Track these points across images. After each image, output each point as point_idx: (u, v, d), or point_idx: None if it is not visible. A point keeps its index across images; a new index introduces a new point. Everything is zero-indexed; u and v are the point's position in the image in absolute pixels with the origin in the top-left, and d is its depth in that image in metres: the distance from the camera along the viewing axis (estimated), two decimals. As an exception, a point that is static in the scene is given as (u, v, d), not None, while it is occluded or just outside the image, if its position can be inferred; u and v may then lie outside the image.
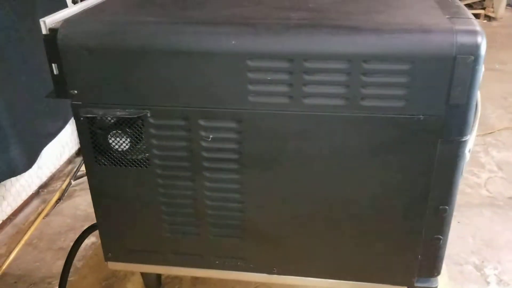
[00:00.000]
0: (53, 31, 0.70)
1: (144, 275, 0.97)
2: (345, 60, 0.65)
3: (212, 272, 0.87)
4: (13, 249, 1.48)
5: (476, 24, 0.66)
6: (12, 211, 1.63)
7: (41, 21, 0.69)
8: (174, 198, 0.80)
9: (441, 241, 0.78)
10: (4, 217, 1.60)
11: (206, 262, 0.85)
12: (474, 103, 0.67)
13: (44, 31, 0.70)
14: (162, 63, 0.69)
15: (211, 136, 0.74)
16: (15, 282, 1.38)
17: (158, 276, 0.98)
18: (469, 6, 3.83)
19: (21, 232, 1.57)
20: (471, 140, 0.74)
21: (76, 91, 0.73)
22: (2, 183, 1.48)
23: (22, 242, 1.51)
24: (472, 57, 0.63)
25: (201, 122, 0.73)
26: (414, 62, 0.65)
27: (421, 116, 0.68)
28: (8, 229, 1.60)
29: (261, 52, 0.67)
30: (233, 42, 0.67)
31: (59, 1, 1.60)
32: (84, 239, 0.98)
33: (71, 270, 0.99)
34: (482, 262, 1.46)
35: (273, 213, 0.79)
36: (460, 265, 1.44)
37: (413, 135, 0.69)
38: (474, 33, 0.64)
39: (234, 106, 0.71)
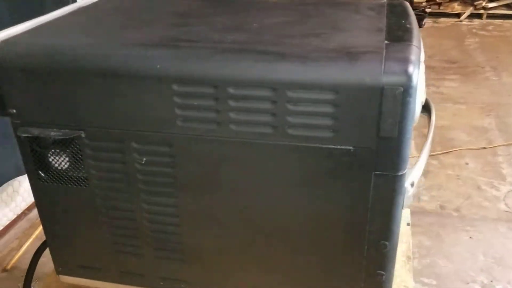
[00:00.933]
0: (-10, 50, 0.71)
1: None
2: (269, 87, 0.63)
3: (158, 293, 0.86)
4: (24, 243, 1.53)
5: (412, 52, 0.62)
6: (26, 206, 1.67)
7: (-23, 39, 0.71)
8: (115, 218, 0.79)
9: (383, 277, 0.74)
10: (19, 211, 1.65)
11: (150, 282, 0.84)
12: (408, 136, 0.63)
13: (-9, 53, 0.71)
14: (94, 85, 0.69)
15: (144, 159, 0.73)
16: (22, 276, 1.43)
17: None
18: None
19: (34, 227, 1.62)
20: (417, 171, 0.70)
21: (14, 110, 0.73)
22: (16, 178, 1.52)
23: (33, 236, 1.56)
24: (401, 88, 0.59)
25: (134, 145, 0.72)
26: (339, 92, 0.61)
27: (351, 148, 0.64)
28: (22, 223, 1.65)
29: (186, 77, 0.65)
30: (158, 66, 0.65)
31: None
32: (39, 257, 1.00)
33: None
34: (491, 281, 1.38)
35: (211, 237, 0.77)
36: (466, 283, 1.37)
37: (345, 167, 0.66)
38: (405, 61, 0.60)
39: (164, 130, 0.69)
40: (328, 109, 0.62)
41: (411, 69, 0.59)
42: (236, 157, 0.69)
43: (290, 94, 0.62)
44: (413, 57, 0.61)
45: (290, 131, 0.65)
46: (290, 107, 0.63)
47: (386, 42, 0.64)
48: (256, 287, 0.81)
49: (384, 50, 0.62)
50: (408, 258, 1.06)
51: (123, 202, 0.77)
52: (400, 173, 0.65)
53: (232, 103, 0.65)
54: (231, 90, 0.64)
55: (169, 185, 0.74)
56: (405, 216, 1.17)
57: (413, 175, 0.69)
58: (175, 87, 0.66)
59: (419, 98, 0.63)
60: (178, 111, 0.67)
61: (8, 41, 0.71)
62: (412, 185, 0.70)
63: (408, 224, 1.16)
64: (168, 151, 0.71)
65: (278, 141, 0.66)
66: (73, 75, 0.69)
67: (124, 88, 0.68)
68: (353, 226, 0.70)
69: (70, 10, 0.85)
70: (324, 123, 0.63)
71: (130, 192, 0.76)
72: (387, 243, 0.71)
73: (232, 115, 0.66)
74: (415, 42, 0.65)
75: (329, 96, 0.62)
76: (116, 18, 0.83)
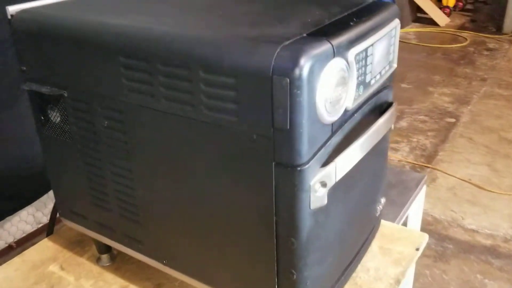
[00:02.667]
0: (12, 17, 0.87)
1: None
2: (186, 67, 0.68)
3: (122, 247, 0.95)
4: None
5: (314, 46, 0.61)
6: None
7: (6, 8, 0.87)
8: (90, 173, 0.91)
9: (294, 276, 0.73)
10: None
11: (118, 238, 0.94)
12: (301, 130, 0.62)
13: (8, 17, 0.88)
14: (71, 52, 0.81)
15: (106, 122, 0.82)
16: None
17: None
18: None
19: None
20: (331, 172, 0.68)
21: (24, 68, 0.89)
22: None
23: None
24: (287, 80, 0.59)
25: (98, 108, 0.82)
26: (238, 78, 0.63)
27: (254, 135, 0.66)
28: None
29: (127, 50, 0.73)
30: (107, 38, 0.75)
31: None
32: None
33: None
34: None
35: (156, 205, 0.84)
36: None
37: (249, 153, 0.67)
38: (297, 53, 0.60)
39: (117, 98, 0.78)
40: (232, 93, 0.65)
41: (302, 61, 0.59)
42: (167, 129, 0.75)
43: (202, 75, 0.67)
44: (310, 51, 0.60)
45: (205, 111, 0.69)
46: (203, 87, 0.67)
47: (304, 35, 0.65)
48: (191, 267, 0.85)
49: (288, 41, 0.62)
50: (397, 281, 0.99)
51: (95, 160, 0.88)
52: (298, 167, 0.65)
53: (161, 78, 0.71)
54: (159, 66, 0.70)
55: (123, 149, 0.82)
56: (417, 239, 1.10)
57: (325, 175, 0.67)
58: (121, 58, 0.74)
59: (323, 93, 0.62)
60: (124, 81, 0.76)
61: (25, 10, 0.87)
62: (324, 185, 0.68)
63: (417, 249, 1.08)
64: (119, 117, 0.80)
65: (197, 118, 0.70)
66: (59, 42, 0.82)
67: (88, 56, 0.78)
68: (261, 217, 0.71)
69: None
70: (230, 107, 0.66)
71: (99, 151, 0.86)
72: (293, 240, 0.70)
73: (162, 89, 0.72)
74: (336, 39, 0.64)
75: (231, 80, 0.64)
76: (116, 3, 0.94)
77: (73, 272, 1.05)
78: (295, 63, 0.59)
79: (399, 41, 0.84)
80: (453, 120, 3.27)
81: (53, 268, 1.07)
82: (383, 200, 0.97)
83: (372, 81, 0.77)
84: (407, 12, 5.21)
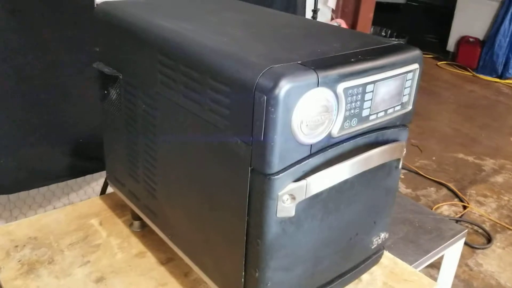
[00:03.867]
0: (97, 6, 1.06)
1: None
2: (199, 71, 0.79)
3: (143, 216, 1.09)
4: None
5: (297, 73, 0.69)
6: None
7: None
8: (129, 147, 1.06)
9: (256, 274, 0.80)
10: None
11: (140, 207, 1.08)
12: (272, 143, 0.70)
13: (95, 5, 1.06)
14: (129, 41, 0.96)
15: (144, 106, 0.97)
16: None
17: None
18: None
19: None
20: (299, 186, 0.75)
21: (98, 49, 1.07)
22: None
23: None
24: (265, 97, 0.68)
25: (140, 93, 0.97)
26: (232, 87, 0.73)
27: (238, 140, 0.75)
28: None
29: (164, 50, 0.86)
30: (152, 36, 0.89)
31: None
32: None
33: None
34: None
35: (167, 183, 0.96)
36: None
37: (234, 156, 0.77)
38: (278, 76, 0.68)
39: (154, 88, 0.92)
40: (227, 100, 0.75)
41: (280, 83, 0.67)
42: (181, 121, 0.87)
43: (209, 80, 0.77)
44: (291, 76, 0.68)
45: (208, 111, 0.79)
46: (209, 90, 0.78)
47: (298, 62, 0.72)
48: (187, 242, 0.96)
49: (278, 65, 0.70)
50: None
51: (133, 135, 1.03)
52: (268, 176, 0.72)
53: (182, 77, 0.83)
54: (181, 67, 0.83)
55: (152, 130, 0.96)
56: (425, 286, 1.10)
57: (294, 189, 0.74)
58: (158, 55, 0.88)
59: (299, 116, 0.69)
60: (158, 75, 0.89)
61: (106, 2, 1.05)
62: (292, 198, 0.75)
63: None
64: (153, 104, 0.93)
65: (202, 116, 0.81)
66: (122, 32, 0.98)
67: (139, 48, 0.93)
68: (237, 214, 0.79)
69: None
70: (225, 112, 0.76)
71: (136, 129, 1.01)
72: (259, 241, 0.78)
73: (181, 87, 0.84)
74: (324, 71, 0.71)
75: (227, 89, 0.74)
76: (180, 8, 1.08)
77: (107, 229, 1.22)
78: (274, 84, 0.67)
79: None
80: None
81: (94, 221, 1.25)
82: (383, 235, 1.00)
83: (372, 117, 0.82)
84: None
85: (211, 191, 0.84)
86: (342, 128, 0.77)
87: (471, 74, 5.02)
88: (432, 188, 2.92)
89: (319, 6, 2.86)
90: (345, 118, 0.77)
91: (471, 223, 2.57)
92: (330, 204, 0.83)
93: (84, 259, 1.12)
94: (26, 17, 1.60)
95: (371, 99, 0.80)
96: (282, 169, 0.73)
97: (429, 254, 1.28)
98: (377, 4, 3.19)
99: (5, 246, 1.14)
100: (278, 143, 0.70)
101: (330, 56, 0.77)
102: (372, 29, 3.99)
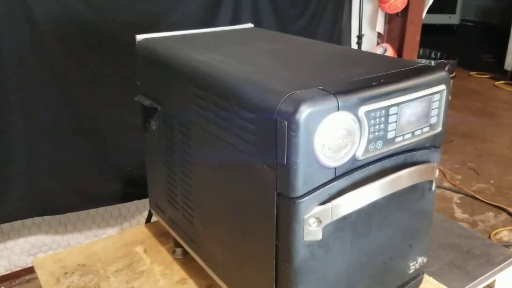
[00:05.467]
0: (138, 43, 1.12)
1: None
2: (226, 99, 0.83)
3: (183, 243, 1.13)
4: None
5: (317, 98, 0.71)
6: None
7: (136, 36, 1.13)
8: (168, 175, 1.10)
9: (287, 298, 0.81)
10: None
11: (181, 234, 1.12)
12: (295, 167, 0.72)
13: (136, 42, 1.13)
14: (166, 74, 1.02)
15: (180, 136, 1.01)
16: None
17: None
18: None
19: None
20: (325, 210, 0.75)
21: (139, 83, 1.13)
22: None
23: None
24: (286, 122, 0.70)
25: (177, 124, 1.01)
26: (256, 113, 0.76)
27: (264, 165, 0.77)
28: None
29: (196, 82, 0.91)
30: (186, 70, 0.93)
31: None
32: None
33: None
34: None
35: (202, 209, 0.99)
36: None
37: (261, 181, 0.79)
38: (299, 102, 0.70)
39: (189, 117, 0.96)
40: (253, 126, 0.78)
41: (300, 108, 0.69)
42: (212, 148, 0.90)
43: (236, 107, 0.81)
44: (311, 101, 0.70)
45: (235, 137, 0.82)
46: (236, 117, 0.81)
47: (319, 87, 0.74)
48: (222, 267, 0.98)
49: (299, 91, 0.73)
50: None
51: (171, 165, 1.07)
52: (294, 199, 0.74)
53: (212, 106, 0.87)
54: (211, 96, 0.86)
55: (188, 159, 1.00)
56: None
57: (320, 212, 0.75)
58: (191, 87, 0.92)
59: (321, 139, 0.71)
60: (192, 105, 0.93)
61: (147, 39, 1.11)
62: (319, 221, 0.76)
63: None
64: (188, 133, 0.97)
65: (230, 142, 0.84)
66: (160, 66, 1.03)
67: (174, 80, 0.98)
68: (266, 239, 0.81)
69: (207, 31, 1.20)
70: (251, 138, 0.79)
71: (174, 158, 1.05)
72: (287, 265, 0.79)
73: (211, 115, 0.88)
74: (344, 95, 0.72)
75: (252, 115, 0.77)
76: (215, 40, 1.13)
77: (151, 256, 1.26)
78: (294, 109, 0.70)
79: None
80: None
81: (139, 249, 1.29)
82: (420, 259, 0.98)
83: (398, 139, 0.82)
84: None
85: (241, 216, 0.87)
86: (366, 150, 0.78)
87: (531, 93, 4.81)
88: (490, 213, 2.79)
89: (366, 31, 2.86)
90: (369, 141, 0.78)
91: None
92: (359, 227, 0.83)
93: (128, 285, 1.16)
94: (82, 55, 1.73)
95: (395, 121, 0.80)
96: (307, 193, 0.74)
97: (477, 280, 1.23)
98: (430, 26, 3.14)
99: (56, 273, 1.20)
100: (301, 166, 0.72)
101: (352, 81, 0.78)
102: (421, 51, 3.92)
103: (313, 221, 0.76)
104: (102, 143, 1.87)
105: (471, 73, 5.36)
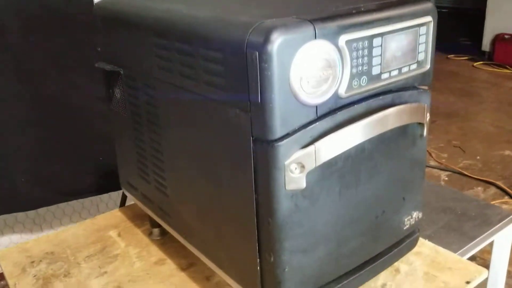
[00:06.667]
0: (95, 5, 1.03)
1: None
2: (191, 43, 0.74)
3: (158, 219, 1.03)
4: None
5: (292, 25, 0.62)
6: None
7: (93, -2, 1.04)
8: (137, 146, 1.01)
9: (271, 258, 0.72)
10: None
11: (155, 210, 1.03)
12: (271, 104, 0.63)
13: (94, 5, 1.04)
14: (125, 34, 0.93)
15: (145, 97, 0.92)
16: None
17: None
18: None
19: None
20: (307, 154, 0.67)
21: (99, 49, 1.04)
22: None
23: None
24: (256, 53, 0.62)
25: (140, 85, 0.92)
26: (224, 51, 0.67)
27: (237, 110, 0.69)
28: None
29: (157, 30, 0.82)
30: (146, 20, 0.84)
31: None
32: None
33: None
34: None
35: (175, 177, 0.90)
36: None
37: (234, 128, 0.70)
38: (268, 30, 0.62)
39: (152, 75, 0.87)
40: (221, 68, 0.69)
41: (272, 36, 0.61)
42: (180, 104, 0.82)
43: (201, 50, 0.72)
44: (284, 28, 0.62)
45: (203, 85, 0.74)
46: (202, 62, 0.72)
47: (292, 17, 0.66)
48: (200, 239, 0.89)
49: (269, 19, 0.64)
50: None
51: (139, 133, 0.98)
52: (272, 142, 0.65)
53: (176, 54, 0.78)
54: (176, 44, 0.78)
55: (156, 123, 0.91)
56: (472, 273, 0.99)
57: (302, 156, 0.67)
58: (153, 38, 0.83)
59: (298, 71, 0.63)
60: (155, 59, 0.84)
61: (104, 1, 1.02)
62: (301, 167, 0.68)
63: (467, 282, 0.97)
64: (153, 92, 0.88)
65: (198, 92, 0.75)
66: (119, 26, 0.94)
67: (134, 37, 0.89)
68: (244, 194, 0.72)
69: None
70: (220, 82, 0.70)
71: (142, 125, 0.96)
72: (270, 220, 0.70)
73: (177, 65, 0.79)
74: (322, 23, 0.64)
75: (219, 55, 0.68)
76: None
77: (126, 240, 1.16)
78: (265, 37, 0.61)
79: None
80: None
81: (112, 233, 1.20)
82: (415, 214, 0.90)
83: (384, 76, 0.74)
84: None
85: (217, 174, 0.78)
86: (350, 87, 0.70)
87: (510, 71, 4.81)
88: (479, 188, 2.74)
89: None
90: (353, 76, 0.70)
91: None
92: (347, 176, 0.75)
93: (101, 270, 1.06)
94: (43, 37, 1.62)
95: (380, 55, 0.72)
96: (286, 135, 0.66)
97: (475, 241, 1.16)
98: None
99: (21, 263, 1.10)
100: (277, 103, 0.64)
101: (329, 10, 0.70)
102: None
103: (295, 167, 0.68)
104: (72, 132, 1.76)
105: (449, 56, 5.35)
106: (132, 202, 1.27)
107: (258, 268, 0.75)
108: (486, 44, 5.21)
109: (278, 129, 0.65)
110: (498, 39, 5.02)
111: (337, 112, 0.70)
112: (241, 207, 0.74)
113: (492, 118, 3.76)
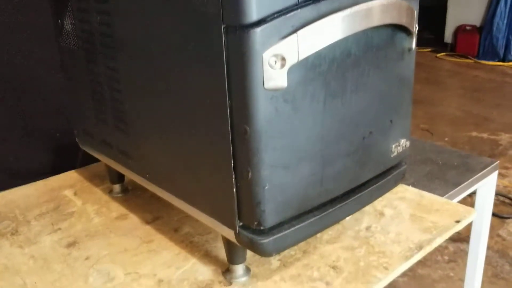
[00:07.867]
0: None
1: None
2: None
3: (118, 166, 0.92)
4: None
5: None
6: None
7: None
8: (93, 83, 0.89)
9: (249, 174, 0.63)
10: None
11: (115, 155, 0.91)
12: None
13: None
14: None
15: (98, 18, 0.81)
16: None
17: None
18: None
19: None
20: (288, 47, 0.58)
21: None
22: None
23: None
24: None
25: (92, 3, 0.81)
26: None
27: (205, -2, 0.59)
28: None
29: None
30: None
31: None
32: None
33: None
34: None
35: (135, 107, 0.80)
36: None
37: (203, 21, 0.60)
38: None
39: (106, -13, 0.77)
40: (185, -51, 0.59)
41: None
42: (139, 14, 0.71)
43: None
44: None
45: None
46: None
47: None
48: (167, 175, 0.78)
49: None
50: (419, 247, 0.83)
51: (94, 65, 0.87)
52: (245, 28, 0.56)
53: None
54: None
55: (111, 46, 0.80)
56: (461, 213, 0.92)
57: (282, 47, 0.58)
58: None
59: None
60: (108, -35, 0.74)
61: None
62: (282, 59, 0.58)
63: (457, 221, 0.90)
64: (106, 7, 0.78)
65: (160, -9, 0.65)
66: None
67: None
68: (215, 101, 0.62)
69: None
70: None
71: (96, 54, 0.85)
72: (247, 127, 0.61)
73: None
74: None
75: None
76: None
77: (83, 198, 1.04)
78: None
79: None
80: None
81: (67, 192, 1.07)
82: (403, 142, 0.82)
83: (371, -32, 0.65)
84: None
85: (184, 83, 0.67)
86: (334, -29, 0.61)
87: (472, 61, 4.87)
88: (450, 167, 2.74)
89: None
90: (337, -41, 0.61)
91: (497, 194, 2.37)
92: (333, 82, 0.66)
93: (54, 227, 0.94)
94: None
95: None
96: (264, 20, 0.57)
97: (458, 188, 1.09)
98: None
99: (-39, 224, 0.96)
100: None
101: None
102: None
103: (275, 60, 0.58)
104: (23, 105, 1.61)
105: (413, 48, 5.39)
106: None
107: (234, 189, 0.65)
108: (448, 36, 5.28)
109: (254, 9, 0.56)
110: (460, 30, 5.09)
111: (321, 1, 0.61)
112: (213, 118, 0.64)
113: (458, 103, 3.78)
